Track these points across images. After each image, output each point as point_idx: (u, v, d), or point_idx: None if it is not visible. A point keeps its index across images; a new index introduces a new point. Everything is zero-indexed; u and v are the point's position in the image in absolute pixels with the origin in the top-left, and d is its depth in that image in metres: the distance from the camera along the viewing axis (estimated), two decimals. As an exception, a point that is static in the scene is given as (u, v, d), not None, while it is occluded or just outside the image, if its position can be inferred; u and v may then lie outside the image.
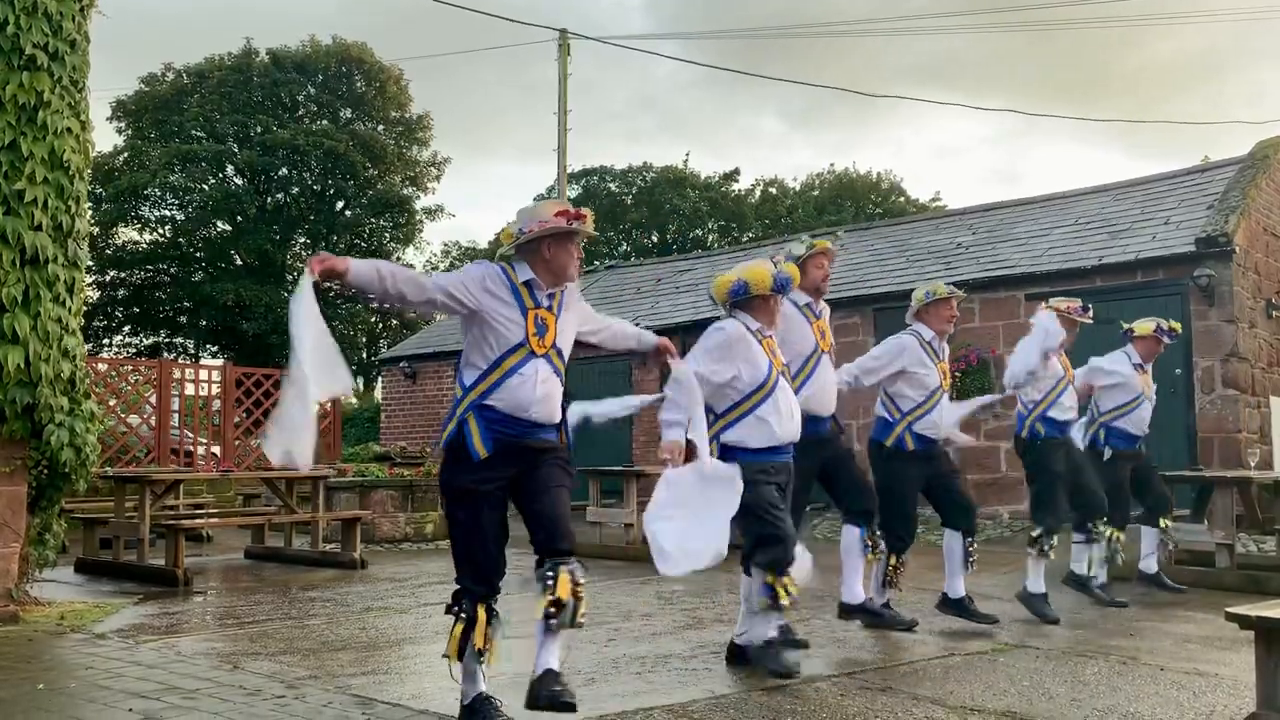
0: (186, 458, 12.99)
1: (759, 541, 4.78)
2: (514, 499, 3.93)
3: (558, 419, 4.00)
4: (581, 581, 3.75)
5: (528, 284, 3.97)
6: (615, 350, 4.69)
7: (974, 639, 5.68)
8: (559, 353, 4.00)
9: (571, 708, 3.71)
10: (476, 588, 3.85)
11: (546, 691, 3.70)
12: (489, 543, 3.88)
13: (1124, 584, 7.41)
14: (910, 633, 5.74)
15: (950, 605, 6.11)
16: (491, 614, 3.84)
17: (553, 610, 3.68)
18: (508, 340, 3.89)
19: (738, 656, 4.98)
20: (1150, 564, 7.61)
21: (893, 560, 5.96)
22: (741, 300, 4.90)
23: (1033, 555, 6.47)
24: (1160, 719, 4.10)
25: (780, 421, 4.85)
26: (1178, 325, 7.53)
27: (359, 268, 3.78)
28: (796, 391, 5.18)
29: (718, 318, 5.07)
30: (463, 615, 3.82)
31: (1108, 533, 7.05)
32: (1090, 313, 6.83)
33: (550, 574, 3.72)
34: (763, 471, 4.77)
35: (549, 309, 3.98)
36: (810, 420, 5.28)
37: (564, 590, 3.68)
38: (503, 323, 3.89)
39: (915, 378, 6.01)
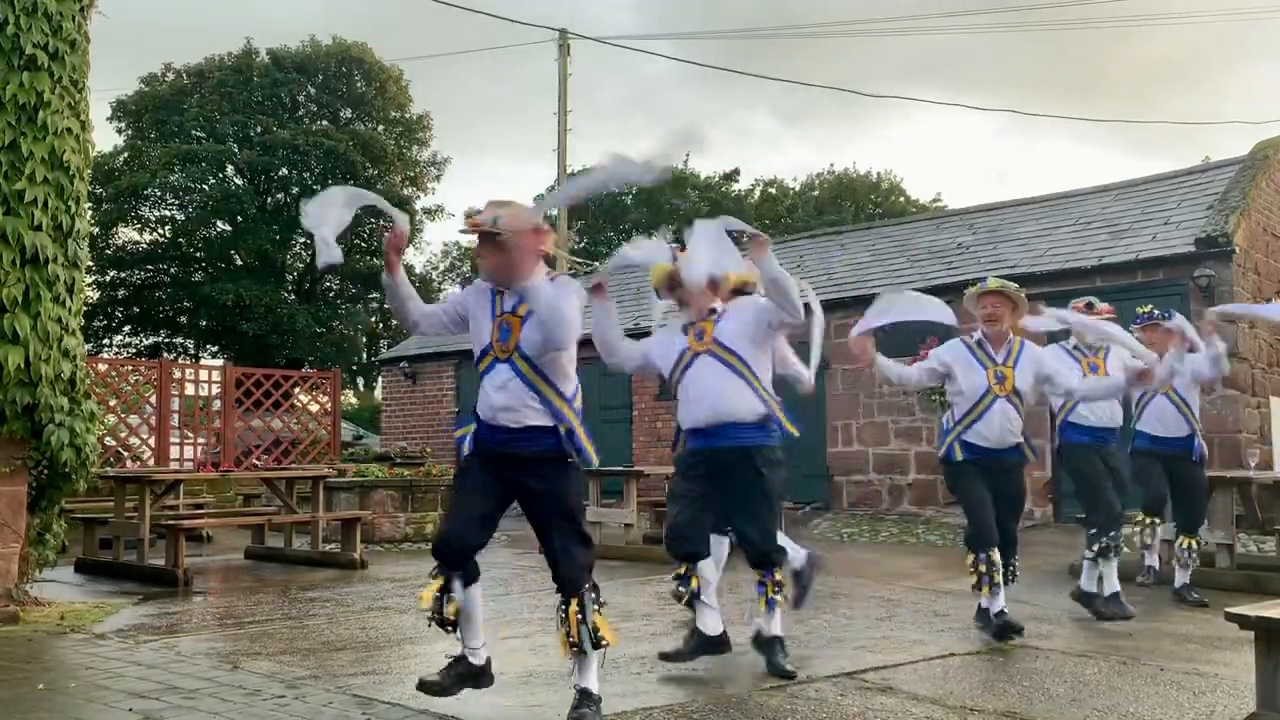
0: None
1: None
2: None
3: (530, 423, 3.90)
4: (588, 609, 3.95)
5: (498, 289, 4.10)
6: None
7: (974, 639, 5.67)
8: (524, 357, 3.89)
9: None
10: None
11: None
12: (468, 509, 4.00)
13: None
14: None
15: (982, 616, 5.82)
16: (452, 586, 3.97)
17: (574, 643, 3.94)
18: (480, 345, 4.04)
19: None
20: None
21: (985, 559, 5.63)
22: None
23: (1089, 558, 6.48)
24: (1160, 719, 4.11)
25: (688, 405, 4.87)
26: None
27: (404, 278, 4.04)
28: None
29: None
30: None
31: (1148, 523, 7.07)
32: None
33: (562, 608, 3.96)
34: (684, 456, 4.94)
35: (513, 312, 3.98)
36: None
37: (573, 624, 3.94)
38: (476, 330, 4.06)
39: (958, 382, 5.75)
